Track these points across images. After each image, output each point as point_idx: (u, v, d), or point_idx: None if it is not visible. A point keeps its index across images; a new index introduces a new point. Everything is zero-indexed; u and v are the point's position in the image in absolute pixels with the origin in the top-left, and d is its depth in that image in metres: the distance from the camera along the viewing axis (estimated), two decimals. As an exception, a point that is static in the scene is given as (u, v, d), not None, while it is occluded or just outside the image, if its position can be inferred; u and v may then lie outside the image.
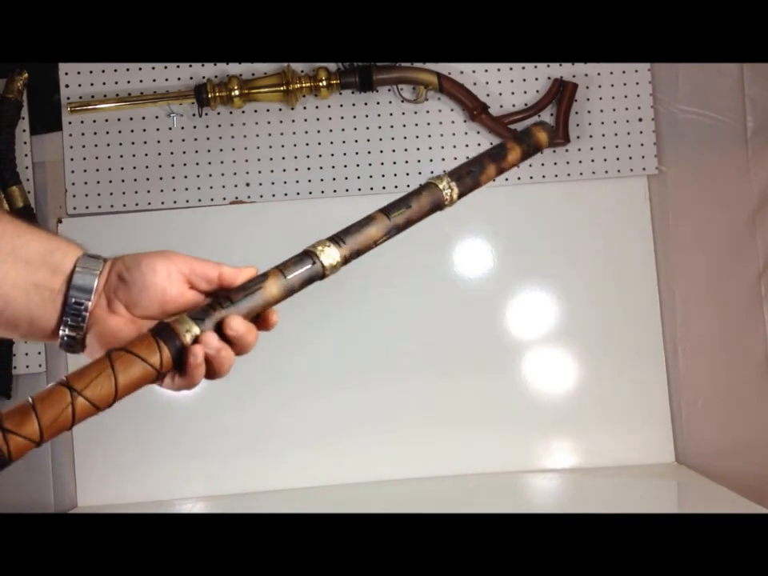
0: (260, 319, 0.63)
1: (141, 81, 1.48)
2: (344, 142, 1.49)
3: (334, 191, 1.49)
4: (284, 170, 1.49)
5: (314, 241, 0.65)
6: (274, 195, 1.49)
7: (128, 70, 1.48)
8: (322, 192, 1.49)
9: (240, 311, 0.61)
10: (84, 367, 0.57)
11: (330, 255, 0.64)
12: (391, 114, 1.50)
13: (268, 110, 1.49)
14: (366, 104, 1.49)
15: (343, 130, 1.49)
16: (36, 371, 1.46)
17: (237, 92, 1.43)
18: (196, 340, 0.59)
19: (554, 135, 0.75)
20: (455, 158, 1.48)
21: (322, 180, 1.49)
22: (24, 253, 0.60)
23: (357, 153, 1.49)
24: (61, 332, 0.62)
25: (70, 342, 0.62)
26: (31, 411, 0.54)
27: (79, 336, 0.62)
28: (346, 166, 1.49)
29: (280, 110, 1.49)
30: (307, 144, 1.49)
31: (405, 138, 1.49)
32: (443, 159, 1.49)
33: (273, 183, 1.49)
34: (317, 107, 1.49)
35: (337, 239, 0.65)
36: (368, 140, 1.49)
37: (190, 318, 0.60)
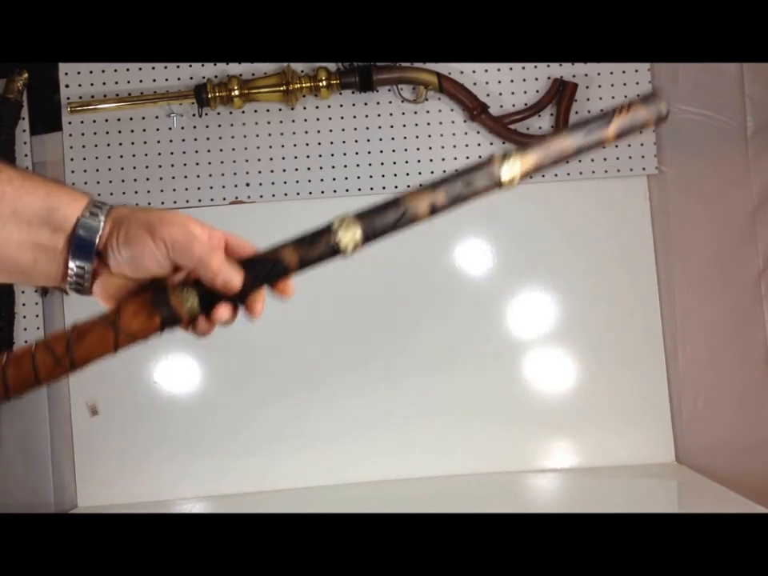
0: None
1: (141, 81, 1.48)
2: (344, 142, 1.49)
3: (334, 191, 1.49)
4: (284, 170, 1.49)
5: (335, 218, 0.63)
6: (273, 195, 1.49)
7: (128, 70, 1.48)
8: (322, 192, 1.49)
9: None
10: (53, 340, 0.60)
11: (350, 233, 0.62)
12: (391, 114, 1.50)
13: (268, 110, 1.49)
14: (366, 104, 1.49)
15: (343, 130, 1.49)
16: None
17: (237, 92, 1.43)
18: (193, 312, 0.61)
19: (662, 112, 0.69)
20: (455, 158, 1.48)
21: (322, 180, 1.49)
22: (25, 214, 0.60)
23: (357, 153, 1.49)
24: (68, 287, 0.62)
25: (76, 291, 0.63)
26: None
27: (85, 287, 0.62)
28: (346, 166, 1.49)
29: (280, 110, 1.49)
30: (307, 144, 1.49)
31: (405, 138, 1.49)
32: (443, 159, 1.49)
33: (273, 183, 1.49)
34: (317, 107, 1.49)
35: (362, 217, 0.62)
36: (368, 140, 1.49)
37: (195, 293, 0.61)
